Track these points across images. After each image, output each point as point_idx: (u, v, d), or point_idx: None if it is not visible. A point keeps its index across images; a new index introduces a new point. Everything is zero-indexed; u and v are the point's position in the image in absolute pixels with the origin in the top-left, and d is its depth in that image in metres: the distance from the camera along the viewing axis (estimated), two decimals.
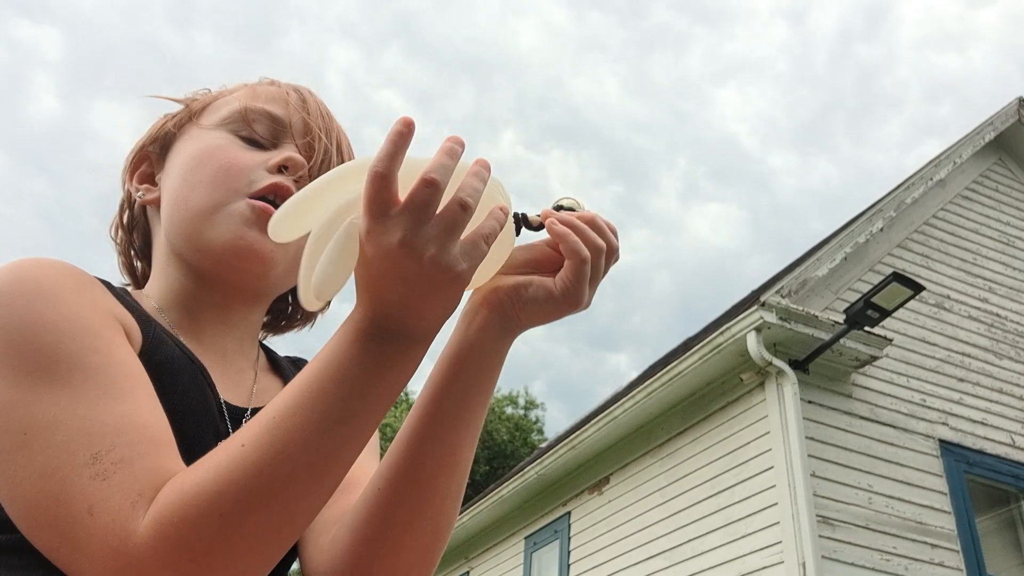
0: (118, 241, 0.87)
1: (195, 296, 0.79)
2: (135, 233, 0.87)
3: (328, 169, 0.82)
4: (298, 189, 0.77)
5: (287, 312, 0.94)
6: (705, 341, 6.02)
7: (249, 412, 0.76)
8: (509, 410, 26.92)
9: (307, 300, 0.59)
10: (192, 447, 0.61)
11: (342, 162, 0.86)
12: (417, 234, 0.55)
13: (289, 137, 0.82)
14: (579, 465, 7.67)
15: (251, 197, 0.76)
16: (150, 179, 0.85)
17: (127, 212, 0.87)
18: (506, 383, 27.69)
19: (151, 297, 0.79)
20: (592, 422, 7.19)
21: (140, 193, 0.83)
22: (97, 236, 0.89)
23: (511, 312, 0.68)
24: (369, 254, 0.56)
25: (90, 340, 0.61)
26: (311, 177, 0.80)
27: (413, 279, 0.56)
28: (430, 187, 0.55)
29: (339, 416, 0.56)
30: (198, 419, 0.69)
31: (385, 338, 0.58)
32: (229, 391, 0.77)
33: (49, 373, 0.58)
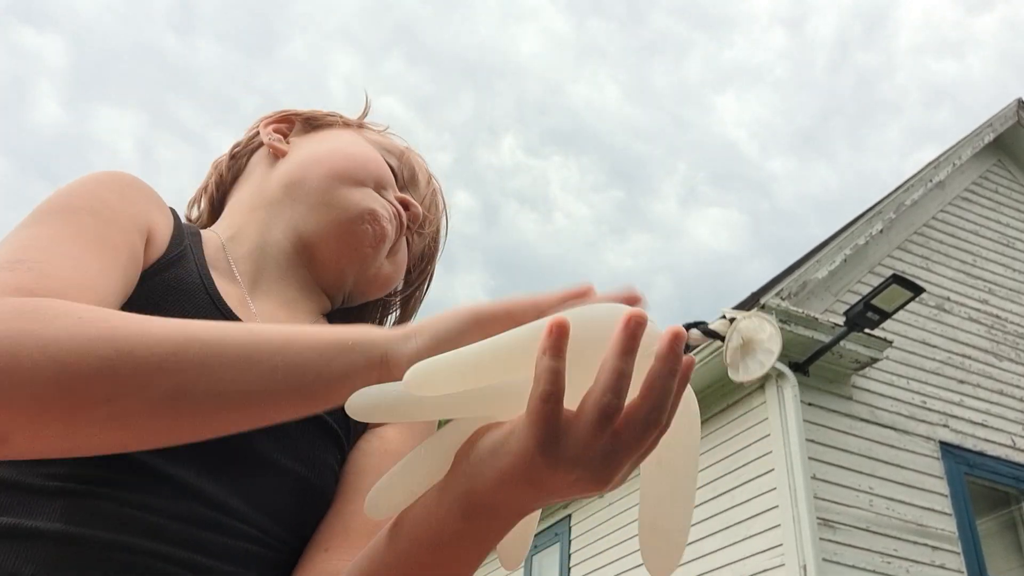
0: (216, 172, 0.90)
1: (276, 252, 0.80)
2: (228, 174, 0.90)
3: (425, 257, 0.92)
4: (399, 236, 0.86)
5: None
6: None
7: None
8: None
9: (366, 505, 0.52)
10: None
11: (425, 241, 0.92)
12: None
13: (397, 186, 0.88)
14: None
15: None
16: (283, 136, 0.90)
17: (232, 159, 0.90)
18: None
19: (219, 234, 0.81)
20: None
21: (271, 138, 0.88)
22: None
23: (462, 474, 0.51)
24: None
25: (99, 210, 0.64)
26: (410, 241, 0.88)
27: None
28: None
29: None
30: None
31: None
32: None
33: (47, 213, 0.63)
